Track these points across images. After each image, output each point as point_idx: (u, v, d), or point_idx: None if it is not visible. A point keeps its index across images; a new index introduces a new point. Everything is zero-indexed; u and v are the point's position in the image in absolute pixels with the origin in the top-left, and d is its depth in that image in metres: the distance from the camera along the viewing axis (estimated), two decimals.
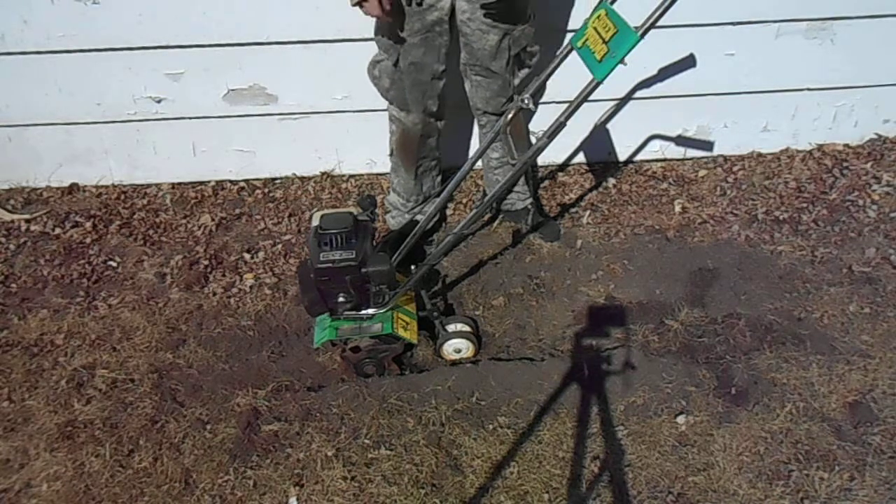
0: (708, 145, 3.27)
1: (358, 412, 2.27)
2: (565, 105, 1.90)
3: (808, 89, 3.15)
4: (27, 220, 3.10)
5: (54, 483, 2.15)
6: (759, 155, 3.30)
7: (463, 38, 2.38)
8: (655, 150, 3.28)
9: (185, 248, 2.96)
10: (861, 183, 3.11)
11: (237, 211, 3.14)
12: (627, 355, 2.38)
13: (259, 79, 2.98)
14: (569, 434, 2.19)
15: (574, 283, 2.74)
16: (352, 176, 3.28)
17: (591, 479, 2.09)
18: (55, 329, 2.62)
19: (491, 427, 2.22)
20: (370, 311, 2.33)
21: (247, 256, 2.92)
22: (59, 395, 2.39)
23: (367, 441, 2.19)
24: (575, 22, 2.82)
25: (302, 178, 3.28)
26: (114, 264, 2.91)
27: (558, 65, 2.09)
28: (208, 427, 2.27)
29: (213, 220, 3.08)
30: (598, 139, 3.22)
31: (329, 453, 2.17)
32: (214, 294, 2.76)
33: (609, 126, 3.19)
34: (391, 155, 2.77)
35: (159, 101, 3.03)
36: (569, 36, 2.03)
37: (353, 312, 2.31)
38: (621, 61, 1.72)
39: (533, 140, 3.04)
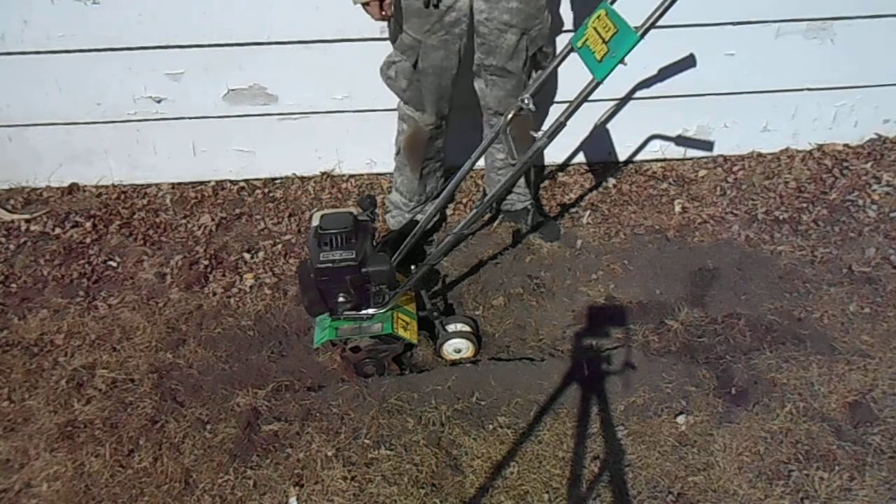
0: (708, 145, 3.27)
1: (358, 412, 2.27)
2: (565, 105, 1.90)
3: (808, 89, 3.15)
4: (27, 220, 3.10)
5: (54, 483, 2.15)
6: (759, 155, 3.30)
7: (480, 38, 2.37)
8: (655, 150, 3.28)
9: (185, 248, 2.96)
10: (861, 183, 3.11)
11: (237, 211, 3.14)
12: (627, 355, 2.38)
13: (259, 79, 2.98)
14: (569, 434, 2.19)
15: (574, 283, 2.74)
16: (352, 176, 3.28)
17: (591, 479, 2.09)
18: (55, 329, 2.62)
19: (491, 427, 2.22)
20: (370, 311, 2.33)
21: (247, 256, 2.92)
22: (59, 395, 2.39)
23: (367, 441, 2.19)
24: (574, 22, 2.83)
25: (302, 178, 3.28)
26: (114, 264, 2.91)
27: (558, 65, 2.09)
28: (208, 427, 2.27)
29: (213, 220, 3.08)
30: (598, 139, 3.22)
31: (329, 453, 2.17)
32: (214, 294, 2.76)
33: (609, 126, 3.19)
34: (397, 154, 2.76)
35: (159, 101, 3.03)
36: (569, 36, 2.03)
37: (353, 312, 2.31)
38: (621, 61, 1.72)
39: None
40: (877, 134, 3.33)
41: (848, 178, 3.14)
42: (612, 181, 3.21)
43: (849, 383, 2.30)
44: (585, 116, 3.14)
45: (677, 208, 3.05)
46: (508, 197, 2.91)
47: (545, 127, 2.11)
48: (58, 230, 3.05)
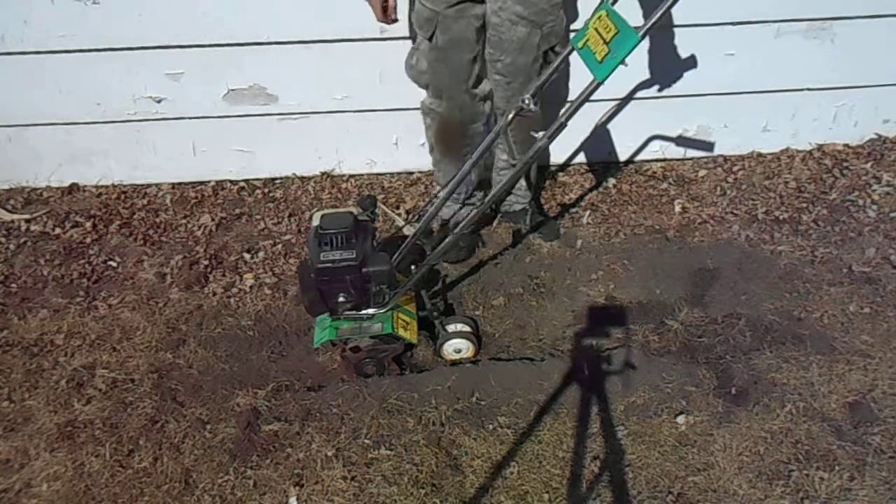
0: (708, 145, 3.27)
1: (358, 412, 2.27)
2: (566, 105, 1.90)
3: (808, 89, 3.15)
4: (27, 220, 3.10)
5: (54, 483, 2.15)
6: (759, 155, 3.30)
7: (491, 29, 2.32)
8: (655, 150, 3.28)
9: (185, 248, 2.96)
10: (861, 183, 3.11)
11: (237, 211, 3.14)
12: (627, 355, 2.38)
13: (259, 79, 2.98)
14: (569, 434, 2.19)
15: (574, 283, 2.74)
16: (352, 176, 3.28)
17: (591, 479, 2.09)
18: (55, 329, 2.62)
19: (491, 427, 2.22)
20: (370, 310, 2.33)
21: (247, 256, 2.92)
22: (59, 395, 2.39)
23: (367, 441, 2.19)
24: (576, 22, 2.82)
25: (302, 178, 3.28)
26: (114, 264, 2.91)
27: (559, 65, 2.09)
28: (208, 427, 2.27)
29: (213, 220, 3.08)
30: (598, 139, 3.22)
31: (329, 453, 2.17)
32: (214, 294, 2.76)
33: (609, 126, 3.19)
34: (431, 151, 2.70)
35: (159, 101, 3.03)
36: (570, 36, 2.03)
37: (354, 312, 2.31)
38: (622, 62, 1.72)
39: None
40: (877, 134, 3.33)
41: (848, 178, 3.14)
42: (612, 181, 3.21)
43: (849, 383, 2.30)
44: (585, 116, 3.14)
45: (677, 208, 3.05)
46: (507, 198, 2.91)
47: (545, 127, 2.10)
48: (58, 230, 3.05)
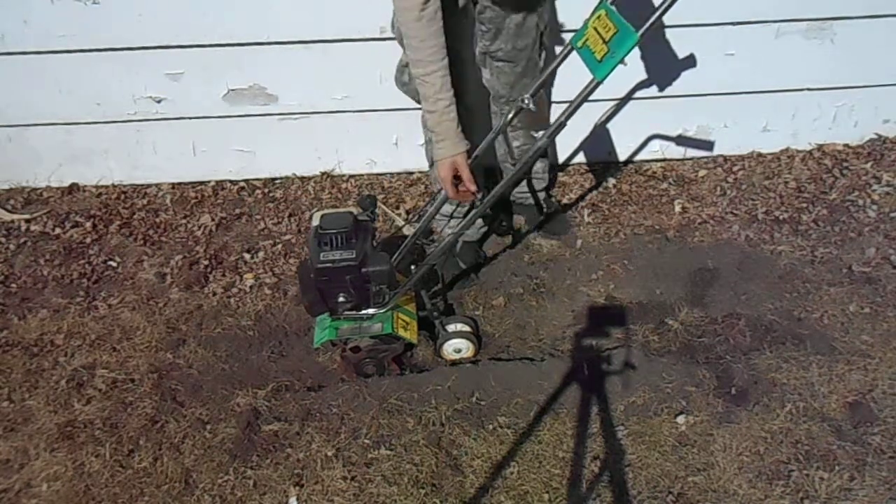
0: (708, 145, 3.27)
1: (358, 412, 2.27)
2: (565, 105, 1.90)
3: (808, 89, 3.15)
4: (27, 220, 3.10)
5: (54, 483, 2.15)
6: (759, 155, 3.30)
7: (485, 24, 2.30)
8: (655, 150, 3.28)
9: (185, 248, 2.96)
10: (861, 183, 3.11)
11: (237, 211, 3.14)
12: (627, 355, 2.38)
13: (259, 79, 2.98)
14: (569, 434, 2.19)
15: (574, 283, 2.74)
16: (352, 176, 3.28)
17: (591, 479, 2.09)
18: (55, 329, 2.63)
19: (491, 427, 2.22)
20: (370, 311, 2.33)
21: (247, 256, 2.92)
22: (59, 395, 2.39)
23: (367, 441, 2.19)
24: (575, 22, 2.82)
25: (302, 178, 3.28)
26: (114, 264, 2.91)
27: (558, 65, 2.09)
28: (208, 427, 2.27)
29: (213, 220, 3.08)
30: (598, 139, 3.22)
31: (329, 453, 2.17)
32: (214, 294, 2.76)
33: (609, 126, 3.19)
34: (431, 166, 2.69)
35: (159, 101, 3.03)
36: (569, 36, 2.03)
37: (354, 312, 2.31)
38: (621, 61, 1.72)
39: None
40: (877, 134, 3.33)
41: (848, 178, 3.14)
42: (612, 181, 3.21)
43: (849, 383, 2.30)
44: (585, 116, 3.14)
45: (677, 208, 3.05)
46: (521, 191, 2.88)
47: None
48: (58, 230, 3.05)
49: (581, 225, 3.01)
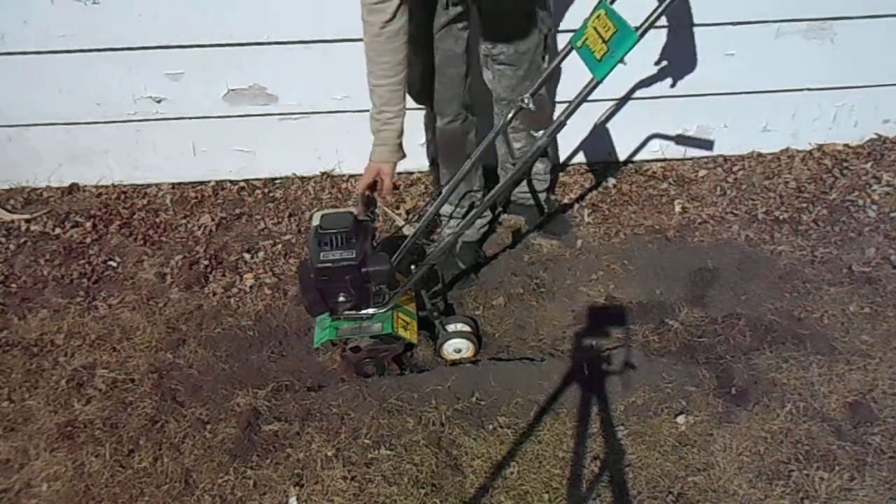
0: (708, 145, 3.27)
1: (358, 412, 2.26)
2: (565, 104, 1.90)
3: (808, 89, 3.15)
4: (27, 220, 3.11)
5: (54, 483, 2.15)
6: (759, 155, 3.30)
7: (487, 27, 2.32)
8: (655, 150, 3.28)
9: (185, 248, 2.96)
10: (861, 183, 3.11)
11: (237, 211, 3.14)
12: (627, 355, 2.38)
13: (259, 79, 2.98)
14: (569, 434, 2.19)
15: (574, 283, 2.74)
16: (352, 176, 3.28)
17: (591, 479, 2.09)
18: (55, 329, 2.62)
19: (491, 427, 2.22)
20: (370, 310, 2.33)
21: (247, 256, 2.92)
22: (59, 395, 2.39)
23: (367, 441, 2.19)
24: (575, 21, 2.83)
25: (302, 178, 3.28)
26: (114, 264, 2.91)
27: (558, 64, 2.09)
28: (208, 427, 2.27)
29: (213, 220, 3.08)
30: (598, 139, 3.22)
31: (329, 453, 2.17)
32: (214, 294, 2.76)
33: (609, 126, 3.19)
34: (431, 165, 2.71)
35: (159, 101, 3.03)
36: (568, 35, 2.03)
37: (354, 312, 2.31)
38: (621, 60, 1.72)
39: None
40: (877, 134, 3.33)
41: (848, 178, 3.14)
42: (612, 181, 3.21)
43: (849, 383, 2.30)
44: (585, 116, 3.14)
45: (677, 208, 3.05)
46: (522, 192, 2.88)
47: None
48: (58, 230, 3.05)
49: (581, 225, 3.01)
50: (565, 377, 2.33)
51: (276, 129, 3.12)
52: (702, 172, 3.24)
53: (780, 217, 2.97)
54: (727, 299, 2.62)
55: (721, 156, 3.31)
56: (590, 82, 1.82)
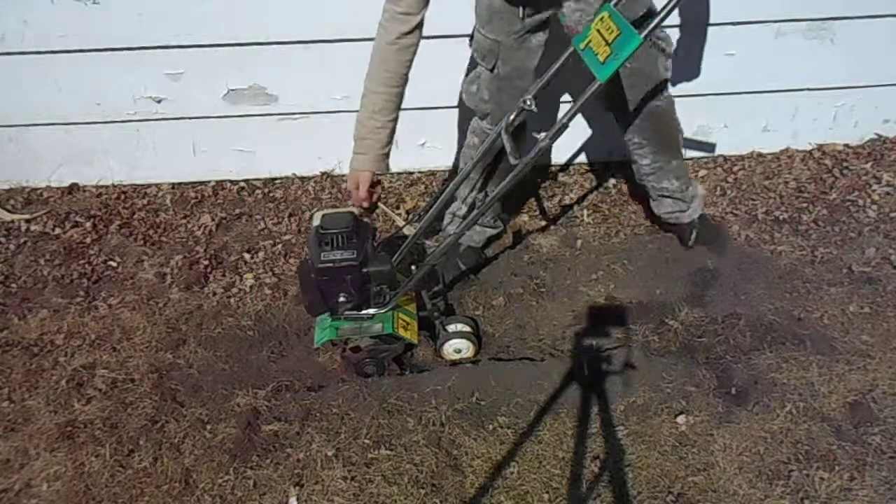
0: (708, 145, 3.27)
1: (358, 412, 2.26)
2: (567, 105, 1.90)
3: (808, 89, 3.15)
4: (27, 220, 3.10)
5: (54, 483, 2.15)
6: (759, 155, 3.30)
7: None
8: None
9: (185, 248, 2.96)
10: (861, 183, 3.11)
11: (237, 211, 3.14)
12: (627, 355, 2.38)
13: (259, 79, 2.98)
14: (569, 434, 2.19)
15: (574, 283, 2.74)
16: None
17: (591, 479, 2.09)
18: (55, 329, 2.62)
19: (491, 427, 2.22)
20: (371, 310, 2.33)
21: (247, 256, 2.92)
22: (59, 395, 2.39)
23: (367, 441, 2.19)
24: None
25: (302, 178, 3.28)
26: (114, 264, 2.91)
27: (561, 66, 2.09)
28: (208, 427, 2.27)
29: (213, 220, 3.08)
30: (598, 139, 3.22)
31: (329, 453, 2.17)
32: (214, 294, 2.76)
33: (609, 126, 3.18)
34: (457, 171, 2.61)
35: (159, 101, 3.03)
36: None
37: (354, 312, 2.31)
38: (624, 63, 1.72)
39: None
40: (877, 134, 3.33)
41: (848, 178, 3.14)
42: (612, 181, 3.21)
43: (849, 383, 2.30)
44: (585, 116, 3.14)
45: None
46: (670, 211, 2.71)
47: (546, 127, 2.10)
48: (58, 230, 3.05)
49: (581, 225, 3.01)
50: (565, 377, 2.33)
51: (275, 129, 3.12)
52: (702, 172, 3.24)
53: (780, 217, 2.97)
54: (727, 299, 2.62)
55: (721, 156, 3.31)
56: (592, 84, 1.82)
